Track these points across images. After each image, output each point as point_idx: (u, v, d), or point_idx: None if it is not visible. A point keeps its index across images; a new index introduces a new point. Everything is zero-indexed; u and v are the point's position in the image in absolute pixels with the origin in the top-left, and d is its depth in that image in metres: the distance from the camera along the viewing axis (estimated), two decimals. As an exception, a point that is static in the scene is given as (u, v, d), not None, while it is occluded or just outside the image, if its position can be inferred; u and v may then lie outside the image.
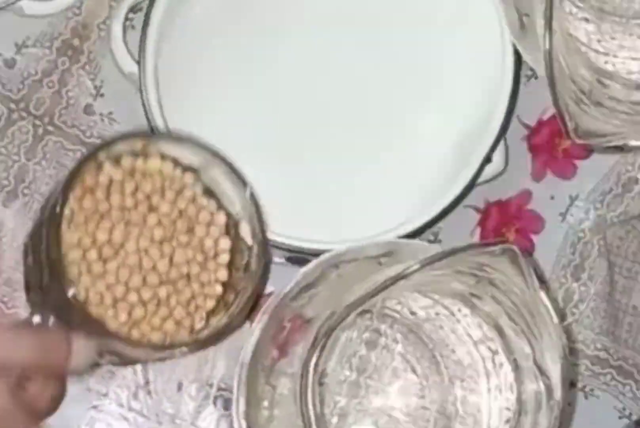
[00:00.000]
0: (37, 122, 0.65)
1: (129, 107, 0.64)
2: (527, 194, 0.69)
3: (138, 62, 0.60)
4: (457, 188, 0.62)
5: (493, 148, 0.63)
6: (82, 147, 0.65)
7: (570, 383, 0.61)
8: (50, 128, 0.65)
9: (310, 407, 0.47)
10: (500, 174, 0.65)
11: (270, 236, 0.58)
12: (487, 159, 0.63)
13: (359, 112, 0.65)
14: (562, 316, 0.66)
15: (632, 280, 0.69)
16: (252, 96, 0.64)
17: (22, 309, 0.62)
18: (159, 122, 0.60)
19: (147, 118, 0.60)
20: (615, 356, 0.68)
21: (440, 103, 0.65)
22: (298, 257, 0.60)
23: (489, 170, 0.64)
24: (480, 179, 0.64)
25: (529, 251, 0.68)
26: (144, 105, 0.60)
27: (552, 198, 0.69)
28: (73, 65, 0.66)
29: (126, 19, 0.62)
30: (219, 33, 0.64)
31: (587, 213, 0.69)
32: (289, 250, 0.60)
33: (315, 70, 0.65)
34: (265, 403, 0.56)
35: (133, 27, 0.64)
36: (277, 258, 0.62)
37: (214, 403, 0.64)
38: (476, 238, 0.68)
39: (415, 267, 0.48)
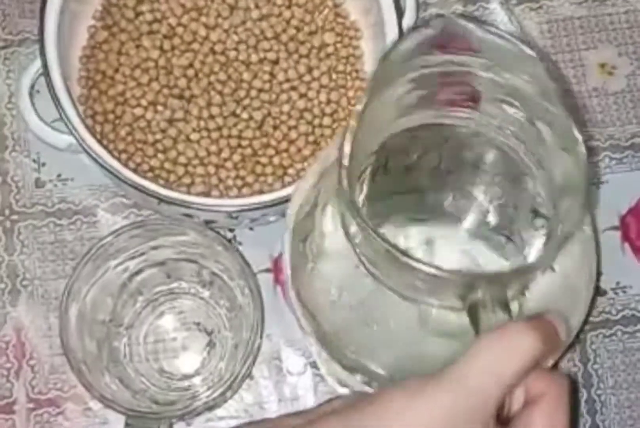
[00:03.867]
0: (0, 218, 0.66)
1: (73, 162, 0.65)
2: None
3: (61, 119, 0.60)
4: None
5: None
6: (54, 219, 0.65)
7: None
8: (14, 217, 0.65)
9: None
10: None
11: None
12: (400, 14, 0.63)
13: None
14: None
15: (580, 67, 0.70)
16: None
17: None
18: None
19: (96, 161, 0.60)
20: (603, 139, 0.69)
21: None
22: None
23: (407, 22, 0.64)
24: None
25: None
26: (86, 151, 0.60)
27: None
28: (3, 153, 0.66)
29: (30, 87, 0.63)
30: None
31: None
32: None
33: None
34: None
35: (38, 91, 0.65)
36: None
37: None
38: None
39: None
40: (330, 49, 0.66)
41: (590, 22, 0.71)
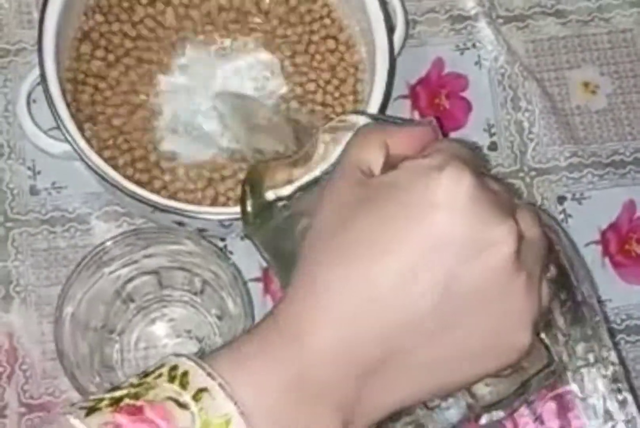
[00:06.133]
0: (-5, 225, 0.67)
1: (68, 170, 0.66)
2: (439, 61, 0.71)
3: (58, 127, 0.60)
4: (381, 81, 0.63)
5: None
6: (48, 226, 0.66)
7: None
8: (9, 224, 0.66)
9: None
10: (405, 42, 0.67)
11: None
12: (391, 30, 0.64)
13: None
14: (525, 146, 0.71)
15: (564, 86, 0.72)
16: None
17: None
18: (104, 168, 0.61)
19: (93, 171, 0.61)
20: (585, 156, 0.71)
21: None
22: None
23: (397, 38, 0.66)
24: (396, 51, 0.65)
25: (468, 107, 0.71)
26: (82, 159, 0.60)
27: (462, 53, 0.72)
28: (-1, 162, 0.68)
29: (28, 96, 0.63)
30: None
31: (493, 51, 0.72)
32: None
33: None
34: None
35: (34, 101, 0.65)
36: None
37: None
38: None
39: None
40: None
41: (574, 42, 0.73)
